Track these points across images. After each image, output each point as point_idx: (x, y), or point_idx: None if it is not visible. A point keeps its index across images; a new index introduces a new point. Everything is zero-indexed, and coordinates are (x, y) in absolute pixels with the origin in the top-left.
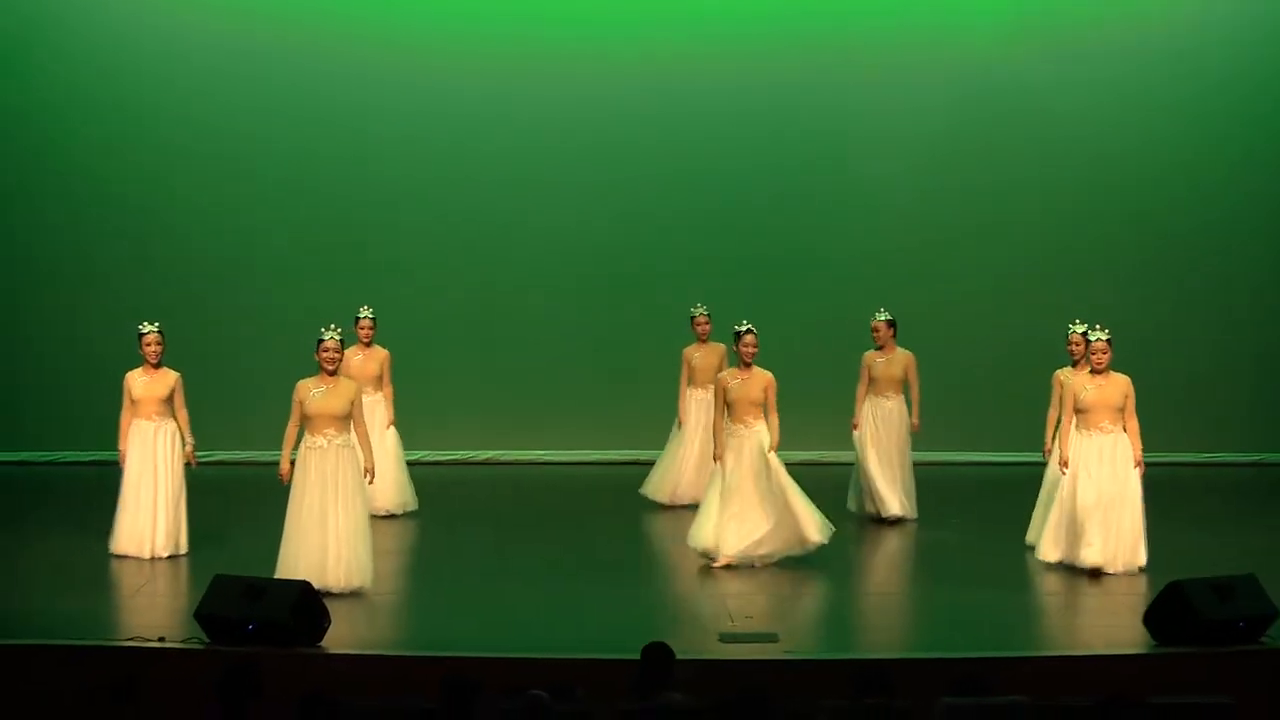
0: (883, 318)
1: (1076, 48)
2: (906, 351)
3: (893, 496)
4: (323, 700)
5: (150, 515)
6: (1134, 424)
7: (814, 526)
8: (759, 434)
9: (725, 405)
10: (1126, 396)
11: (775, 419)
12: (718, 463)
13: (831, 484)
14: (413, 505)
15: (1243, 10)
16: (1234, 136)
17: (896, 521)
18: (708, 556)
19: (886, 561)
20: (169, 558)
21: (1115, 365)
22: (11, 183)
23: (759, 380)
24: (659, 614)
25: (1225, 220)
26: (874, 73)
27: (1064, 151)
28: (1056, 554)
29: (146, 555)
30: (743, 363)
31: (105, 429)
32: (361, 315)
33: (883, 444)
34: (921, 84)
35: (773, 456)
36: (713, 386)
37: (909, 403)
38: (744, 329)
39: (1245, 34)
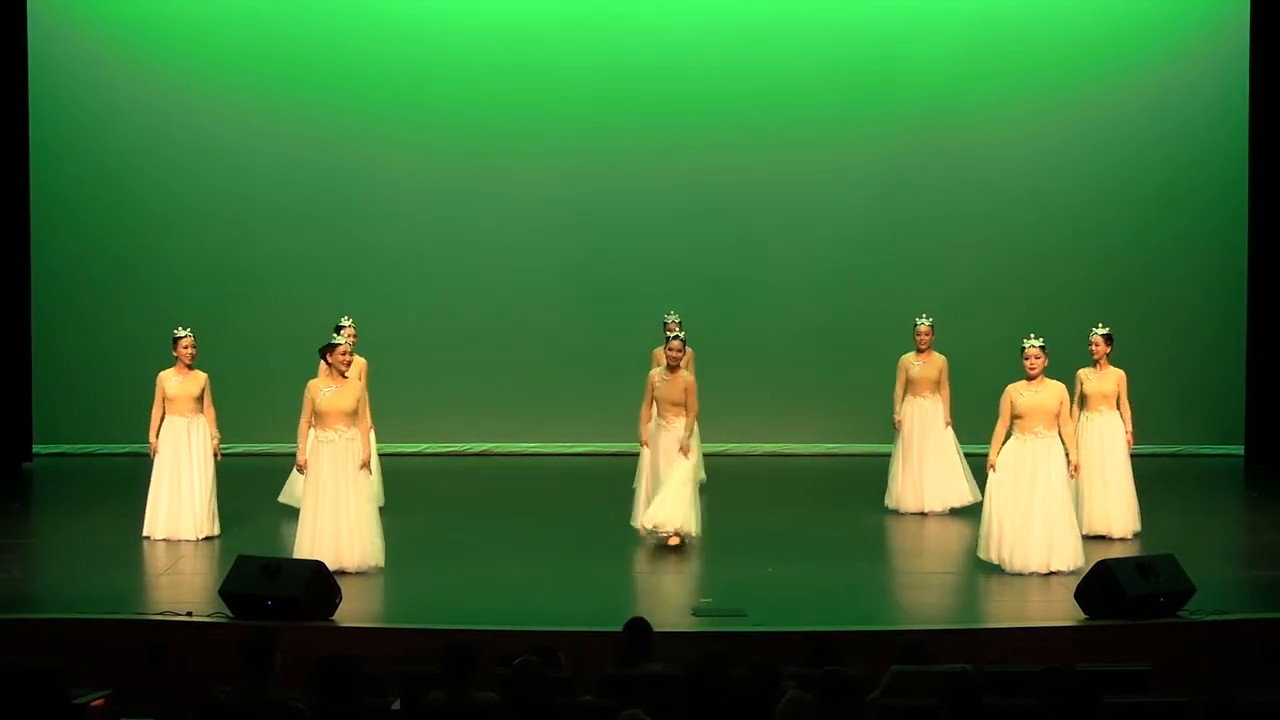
0: (926, 322)
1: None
2: (940, 355)
3: (958, 485)
4: (340, 662)
5: (189, 503)
6: (1068, 428)
7: (694, 521)
8: (676, 428)
9: (654, 400)
10: (1061, 403)
11: (691, 418)
12: (643, 447)
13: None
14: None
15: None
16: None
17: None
18: (654, 534)
19: (851, 543)
20: (204, 539)
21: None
22: (59, 206)
23: (680, 382)
24: (638, 591)
25: (1153, 248)
26: (832, 110)
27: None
28: (987, 553)
29: (184, 538)
30: (669, 365)
31: (137, 424)
32: (344, 325)
33: (930, 440)
34: (869, 118)
35: (688, 449)
36: None
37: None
38: (671, 336)
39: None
